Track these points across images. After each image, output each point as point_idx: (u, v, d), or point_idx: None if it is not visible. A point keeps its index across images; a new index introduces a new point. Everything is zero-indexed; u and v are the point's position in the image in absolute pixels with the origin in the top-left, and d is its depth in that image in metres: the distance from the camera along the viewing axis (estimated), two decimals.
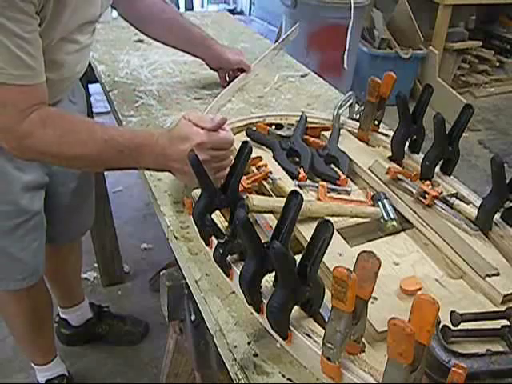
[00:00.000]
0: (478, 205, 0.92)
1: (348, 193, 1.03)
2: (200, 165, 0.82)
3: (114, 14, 1.99)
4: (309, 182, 1.05)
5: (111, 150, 0.91)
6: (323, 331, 0.61)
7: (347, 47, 3.20)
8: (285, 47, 1.71)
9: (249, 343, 0.70)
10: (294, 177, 1.04)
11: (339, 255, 0.83)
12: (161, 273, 1.04)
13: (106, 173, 1.94)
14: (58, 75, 1.08)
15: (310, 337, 0.66)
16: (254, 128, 1.20)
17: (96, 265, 2.16)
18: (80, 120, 0.98)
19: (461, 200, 0.98)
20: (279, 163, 1.08)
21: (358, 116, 1.25)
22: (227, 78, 1.46)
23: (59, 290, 1.75)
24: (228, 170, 0.87)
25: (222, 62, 1.42)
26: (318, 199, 0.98)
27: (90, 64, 1.40)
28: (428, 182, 0.98)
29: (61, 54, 1.06)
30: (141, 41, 1.76)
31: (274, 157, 1.10)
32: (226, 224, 0.86)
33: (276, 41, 1.79)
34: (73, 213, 1.47)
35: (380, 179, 1.03)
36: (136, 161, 0.92)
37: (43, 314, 1.53)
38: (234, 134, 1.20)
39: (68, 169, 1.24)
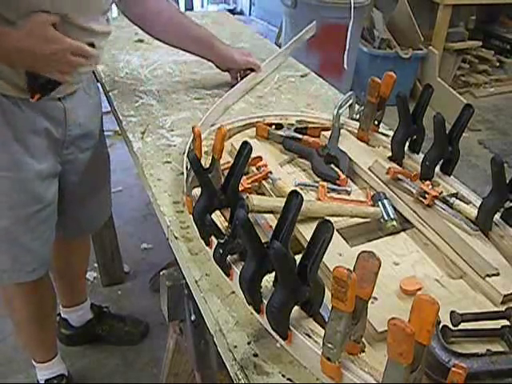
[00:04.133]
0: (478, 205, 0.92)
1: (348, 193, 1.03)
2: (200, 164, 0.83)
3: (114, 13, 2.00)
4: (309, 181, 1.05)
5: None
6: (323, 331, 0.61)
7: (347, 47, 3.20)
8: (299, 46, 1.70)
9: (249, 343, 0.70)
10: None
11: (339, 255, 0.83)
12: (161, 273, 1.04)
13: None
14: None
15: (310, 337, 0.66)
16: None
17: (96, 265, 2.16)
18: None
19: (461, 200, 0.98)
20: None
21: (358, 116, 1.25)
22: (238, 78, 1.46)
23: (64, 286, 1.75)
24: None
25: (228, 63, 1.42)
26: (318, 199, 0.98)
27: None
28: (428, 182, 0.98)
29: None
30: (141, 41, 1.76)
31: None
32: (226, 224, 0.86)
33: (276, 41, 1.78)
34: (84, 204, 1.46)
35: (380, 179, 1.03)
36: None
37: (47, 309, 1.53)
38: (234, 134, 1.20)
39: None
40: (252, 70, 1.46)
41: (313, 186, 1.03)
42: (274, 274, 0.68)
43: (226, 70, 1.47)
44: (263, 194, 1.01)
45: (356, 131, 1.20)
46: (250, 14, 5.83)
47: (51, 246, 1.35)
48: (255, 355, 0.69)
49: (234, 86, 1.40)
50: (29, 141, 1.16)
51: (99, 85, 1.53)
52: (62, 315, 1.85)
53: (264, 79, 1.52)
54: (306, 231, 0.88)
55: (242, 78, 1.45)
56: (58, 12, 1.03)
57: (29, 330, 1.55)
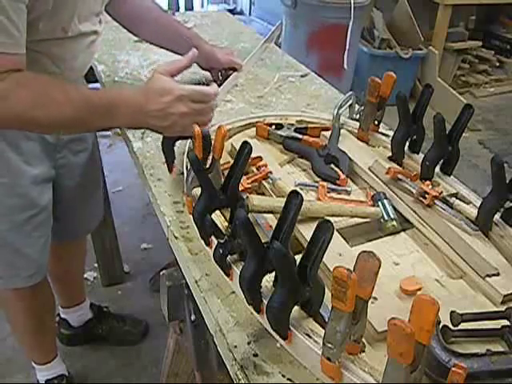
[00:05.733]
0: (478, 205, 0.92)
1: (348, 193, 1.03)
2: (200, 164, 0.83)
3: None
4: (309, 181, 1.05)
5: (86, 109, 0.91)
6: (323, 331, 0.61)
7: (347, 47, 3.20)
8: (272, 43, 1.74)
9: (249, 343, 0.70)
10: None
11: (339, 255, 0.83)
12: (161, 273, 1.04)
13: (106, 173, 1.95)
14: (60, 69, 1.09)
15: (310, 337, 0.66)
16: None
17: (96, 265, 2.16)
18: (55, 81, 0.96)
19: (461, 200, 0.98)
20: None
21: (357, 116, 1.25)
22: (220, 78, 1.47)
23: (62, 288, 1.75)
24: (208, 126, 0.91)
25: (212, 62, 1.42)
26: (318, 199, 0.98)
27: None
28: (428, 182, 0.98)
29: (63, 46, 1.07)
30: (141, 41, 1.76)
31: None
32: (226, 224, 0.86)
33: (276, 41, 1.79)
34: (79, 208, 1.47)
35: (380, 179, 1.03)
36: (111, 119, 0.93)
37: (46, 312, 1.53)
38: (234, 134, 1.20)
39: (45, 133, 1.17)
40: (234, 69, 1.46)
41: (313, 186, 1.03)
42: (274, 273, 0.68)
43: (206, 69, 1.47)
44: (263, 194, 1.01)
45: (356, 131, 1.20)
46: (250, 14, 5.82)
47: (48, 251, 1.35)
48: (255, 355, 0.69)
49: (219, 85, 1.41)
50: (22, 146, 1.15)
51: (98, 85, 1.53)
52: (62, 315, 1.85)
53: (245, 79, 1.53)
54: (305, 231, 0.88)
55: (223, 77, 1.45)
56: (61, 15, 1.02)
57: (28, 334, 1.55)
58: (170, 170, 0.99)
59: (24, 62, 0.91)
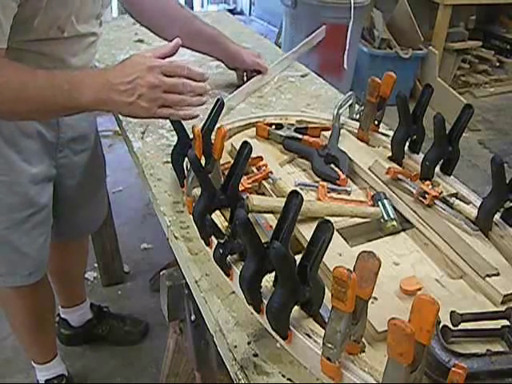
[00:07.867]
0: (478, 205, 0.92)
1: (348, 193, 1.03)
2: (199, 163, 0.83)
3: (114, 13, 1.99)
4: (309, 181, 1.05)
5: (50, 85, 0.90)
6: (323, 331, 0.61)
7: (347, 47, 3.20)
8: (307, 50, 1.69)
9: (249, 343, 0.70)
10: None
11: (339, 255, 0.83)
12: (161, 273, 1.04)
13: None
14: (59, 69, 1.09)
15: (310, 337, 0.66)
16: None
17: (96, 265, 2.16)
18: (26, 67, 0.94)
19: (461, 200, 0.98)
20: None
21: (357, 116, 1.25)
22: (244, 78, 1.45)
23: (62, 288, 1.75)
24: (177, 111, 0.87)
25: (236, 62, 1.41)
26: (318, 199, 0.98)
27: None
28: (428, 182, 0.98)
29: (60, 45, 1.07)
30: (141, 41, 1.76)
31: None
32: (226, 224, 0.86)
33: (276, 41, 1.78)
34: (81, 207, 1.46)
35: (380, 179, 1.03)
36: (76, 95, 0.90)
37: (46, 311, 1.53)
38: (234, 134, 1.20)
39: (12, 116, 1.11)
40: (258, 71, 1.45)
41: (313, 186, 1.03)
42: (274, 273, 0.68)
43: (232, 69, 1.46)
44: (263, 194, 1.01)
45: (356, 131, 1.20)
46: (250, 14, 5.83)
47: (48, 250, 1.34)
48: (255, 355, 0.69)
49: (239, 86, 1.40)
50: (21, 144, 1.15)
51: None
52: (62, 315, 1.85)
53: (269, 82, 1.51)
54: (305, 231, 0.88)
55: (247, 79, 1.45)
56: (56, 18, 1.02)
57: (27, 332, 1.54)
58: (182, 185, 0.98)
59: (2, 55, 0.91)
